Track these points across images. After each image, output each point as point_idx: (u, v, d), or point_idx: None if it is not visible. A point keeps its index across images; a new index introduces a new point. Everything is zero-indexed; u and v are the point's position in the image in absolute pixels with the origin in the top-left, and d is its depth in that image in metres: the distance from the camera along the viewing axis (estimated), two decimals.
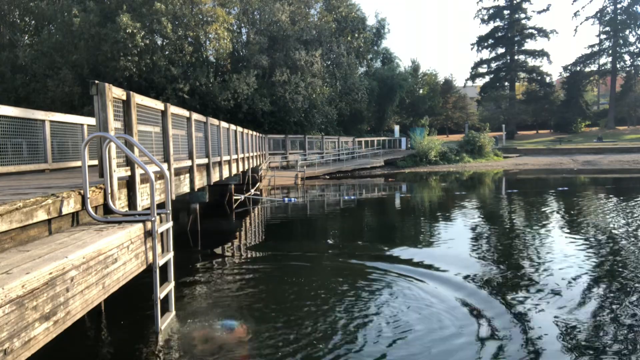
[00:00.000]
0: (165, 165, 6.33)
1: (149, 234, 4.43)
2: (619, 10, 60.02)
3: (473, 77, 66.48)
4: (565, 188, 20.93)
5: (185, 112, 8.23)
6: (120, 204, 4.79)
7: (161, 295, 4.66)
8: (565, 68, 63.97)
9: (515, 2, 61.54)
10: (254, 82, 30.61)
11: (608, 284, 6.72)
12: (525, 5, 61.68)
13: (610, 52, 61.28)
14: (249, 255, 9.60)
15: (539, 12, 67.53)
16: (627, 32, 60.20)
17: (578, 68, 63.06)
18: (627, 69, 62.04)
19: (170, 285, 5.02)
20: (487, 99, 63.18)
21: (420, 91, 60.12)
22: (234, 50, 32.86)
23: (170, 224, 5.00)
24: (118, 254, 3.77)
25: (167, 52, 29.56)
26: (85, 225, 4.16)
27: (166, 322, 4.91)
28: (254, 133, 20.57)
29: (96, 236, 3.63)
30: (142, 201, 5.31)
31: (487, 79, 65.76)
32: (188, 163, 8.36)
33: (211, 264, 8.62)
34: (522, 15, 62.03)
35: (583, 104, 62.34)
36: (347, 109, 40.49)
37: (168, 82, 28.29)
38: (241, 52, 34.14)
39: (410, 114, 58.31)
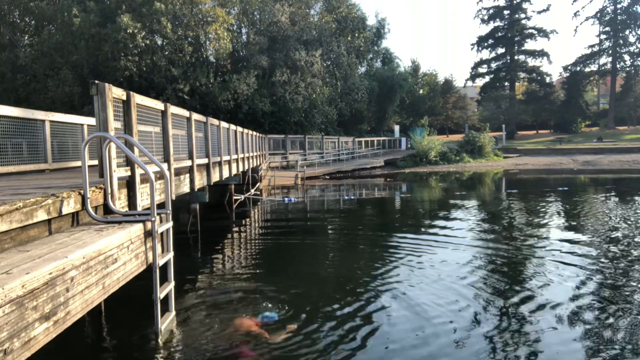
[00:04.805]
0: (165, 165, 6.32)
1: (149, 234, 4.44)
2: (619, 11, 60.03)
3: (473, 77, 66.47)
4: (565, 188, 20.93)
5: (185, 112, 8.23)
6: (120, 204, 4.79)
7: (161, 295, 4.66)
8: (565, 68, 64.01)
9: (515, 2, 61.52)
10: (254, 83, 30.60)
11: (607, 281, 6.72)
12: (525, 5, 61.67)
13: (610, 52, 61.28)
14: (249, 255, 9.59)
15: (539, 12, 67.62)
16: (627, 32, 60.23)
17: (578, 68, 63.07)
18: (627, 69, 62.03)
19: (170, 285, 5.01)
20: (487, 99, 63.18)
21: (420, 91, 60.16)
22: (234, 51, 32.84)
23: (170, 224, 4.99)
24: (118, 254, 3.77)
25: (167, 52, 29.55)
26: (85, 225, 4.16)
27: (166, 322, 4.90)
28: (254, 133, 20.57)
29: (96, 236, 3.63)
30: (142, 201, 5.31)
31: (487, 79, 65.76)
32: (188, 163, 8.36)
33: (211, 264, 8.62)
34: (522, 16, 62.01)
35: (583, 104, 62.34)
36: (347, 109, 40.49)
37: (168, 82, 28.29)
38: (241, 53, 34.12)
39: (410, 114, 58.34)
